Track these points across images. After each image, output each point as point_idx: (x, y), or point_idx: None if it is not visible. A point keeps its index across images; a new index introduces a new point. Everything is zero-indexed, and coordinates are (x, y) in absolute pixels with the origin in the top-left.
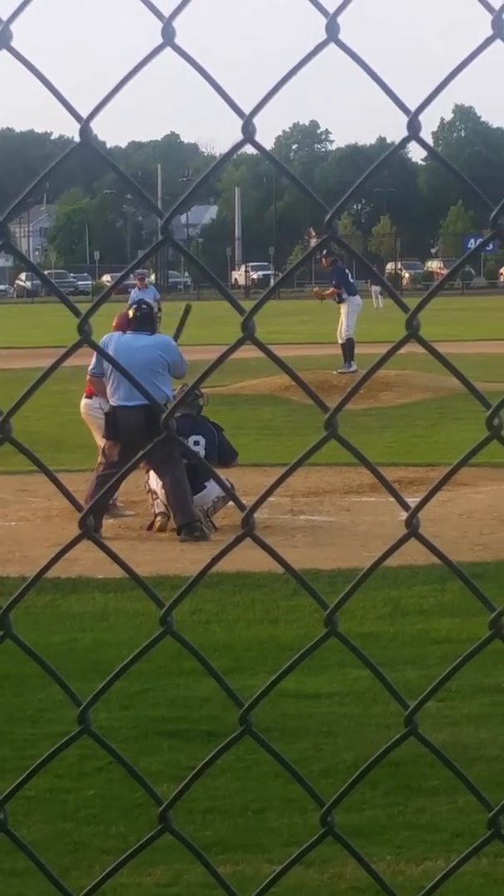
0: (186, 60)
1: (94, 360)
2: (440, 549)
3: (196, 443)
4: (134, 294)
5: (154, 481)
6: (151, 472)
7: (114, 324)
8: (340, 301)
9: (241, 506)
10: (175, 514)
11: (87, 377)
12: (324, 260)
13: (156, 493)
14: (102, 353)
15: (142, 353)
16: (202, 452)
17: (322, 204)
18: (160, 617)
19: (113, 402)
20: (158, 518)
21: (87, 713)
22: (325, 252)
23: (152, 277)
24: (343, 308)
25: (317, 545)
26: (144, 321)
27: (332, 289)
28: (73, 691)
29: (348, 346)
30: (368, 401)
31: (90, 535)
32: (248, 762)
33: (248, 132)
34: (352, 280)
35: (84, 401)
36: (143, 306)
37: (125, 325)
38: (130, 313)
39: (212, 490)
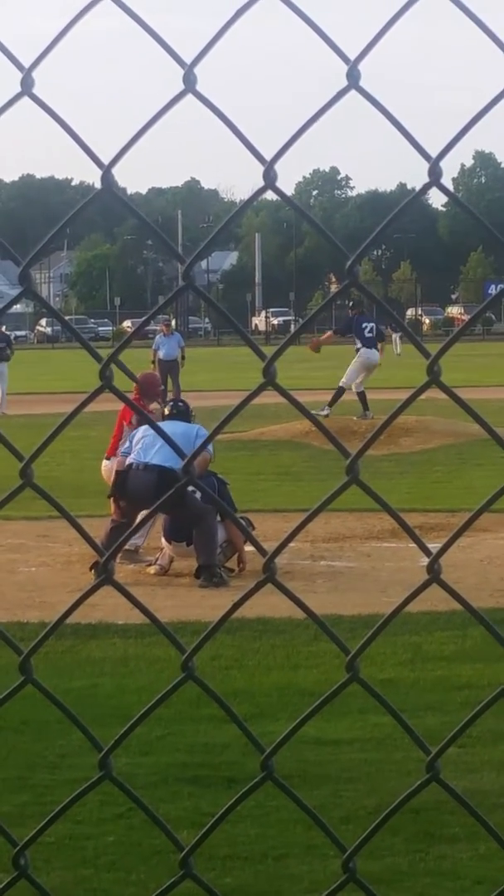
0: (208, 107)
1: (126, 441)
2: (461, 594)
3: (192, 492)
4: (158, 339)
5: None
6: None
7: (134, 388)
8: (357, 349)
9: (261, 551)
10: (199, 554)
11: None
12: (349, 311)
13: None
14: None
15: (169, 428)
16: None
17: (343, 250)
18: (181, 662)
19: (129, 459)
20: (156, 567)
21: (108, 759)
22: (351, 304)
23: (172, 323)
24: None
25: (337, 591)
26: (179, 417)
27: (328, 333)
28: (94, 737)
29: (337, 394)
30: (388, 446)
31: (111, 580)
32: (268, 809)
33: (270, 178)
34: (369, 333)
35: (105, 462)
36: (180, 404)
37: (146, 388)
38: (166, 411)
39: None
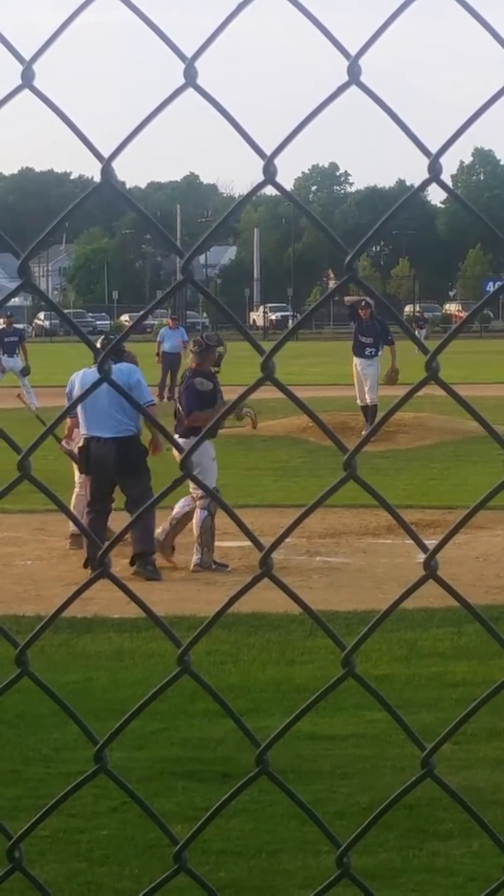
0: (209, 101)
1: (71, 387)
2: (457, 591)
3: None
4: (163, 332)
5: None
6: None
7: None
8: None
9: (258, 546)
10: (135, 542)
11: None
12: (361, 312)
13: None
14: (127, 398)
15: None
16: (179, 409)
17: (342, 246)
18: (177, 656)
19: (84, 433)
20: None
21: (103, 752)
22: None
23: (168, 318)
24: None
25: (333, 587)
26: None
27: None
28: (90, 730)
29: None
30: (385, 443)
31: (108, 573)
32: (262, 803)
33: (270, 173)
34: (361, 337)
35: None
36: (111, 336)
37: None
38: (98, 344)
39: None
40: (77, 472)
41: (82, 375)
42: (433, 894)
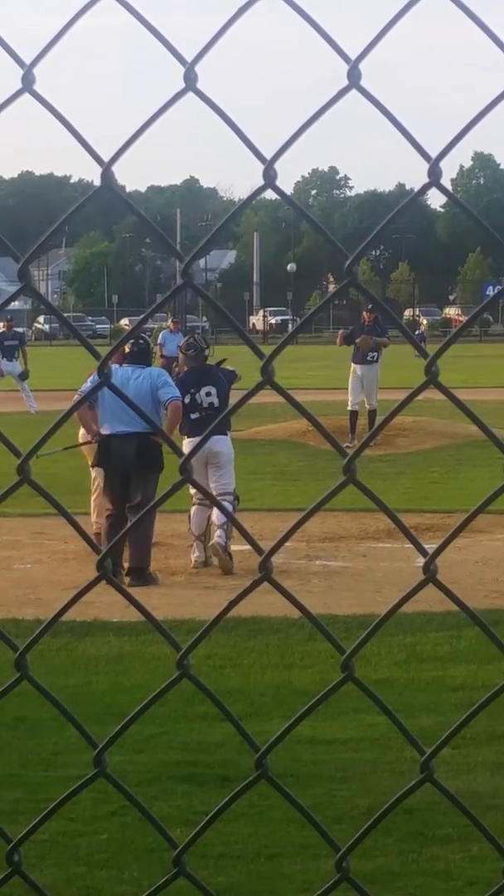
0: (209, 105)
1: (87, 385)
2: (456, 595)
3: (208, 393)
4: (164, 335)
5: (195, 524)
6: (192, 512)
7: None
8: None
9: (258, 549)
10: (131, 556)
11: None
12: (366, 314)
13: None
14: (119, 394)
15: (133, 384)
16: (215, 402)
17: (342, 250)
18: (177, 660)
19: (105, 430)
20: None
21: (102, 756)
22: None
23: (169, 321)
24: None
25: (332, 590)
26: (140, 355)
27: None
28: (89, 734)
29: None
30: (384, 447)
31: (108, 577)
32: (261, 807)
33: (270, 177)
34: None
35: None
36: (140, 341)
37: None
38: (127, 348)
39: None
40: (95, 477)
41: (114, 372)
42: None
